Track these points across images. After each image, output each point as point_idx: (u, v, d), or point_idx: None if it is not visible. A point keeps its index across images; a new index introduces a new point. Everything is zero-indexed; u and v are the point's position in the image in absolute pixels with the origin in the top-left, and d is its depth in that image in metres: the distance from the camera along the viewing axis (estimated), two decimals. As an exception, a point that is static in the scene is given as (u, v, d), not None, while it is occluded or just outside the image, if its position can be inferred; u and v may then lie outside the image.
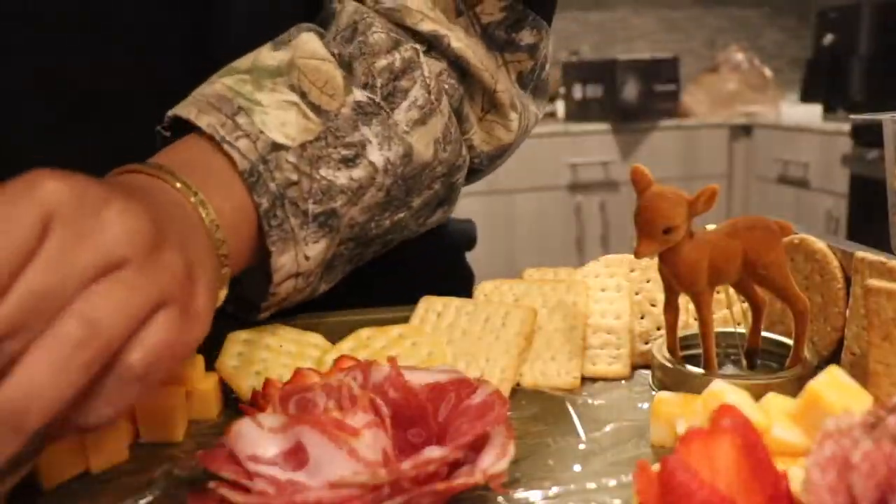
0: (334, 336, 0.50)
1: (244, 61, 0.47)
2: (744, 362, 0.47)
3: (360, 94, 0.47)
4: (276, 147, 0.44)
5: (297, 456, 0.34)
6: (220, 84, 0.45)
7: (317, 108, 0.46)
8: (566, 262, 0.59)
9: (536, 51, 0.55)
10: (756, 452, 0.30)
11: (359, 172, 0.47)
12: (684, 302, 0.48)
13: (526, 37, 0.54)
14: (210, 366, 0.47)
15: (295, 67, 0.46)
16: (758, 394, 0.39)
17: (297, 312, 0.53)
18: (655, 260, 0.44)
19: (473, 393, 0.38)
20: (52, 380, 0.28)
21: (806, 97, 2.64)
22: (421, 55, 0.50)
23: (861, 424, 0.30)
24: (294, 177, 0.45)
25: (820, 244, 0.47)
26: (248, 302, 0.50)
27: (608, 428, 0.42)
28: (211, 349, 0.48)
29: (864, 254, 0.43)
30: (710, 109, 2.68)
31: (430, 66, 0.50)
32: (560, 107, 2.76)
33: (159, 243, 0.33)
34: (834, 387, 0.35)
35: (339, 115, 0.46)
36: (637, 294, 0.52)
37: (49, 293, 0.29)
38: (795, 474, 0.31)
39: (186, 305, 0.34)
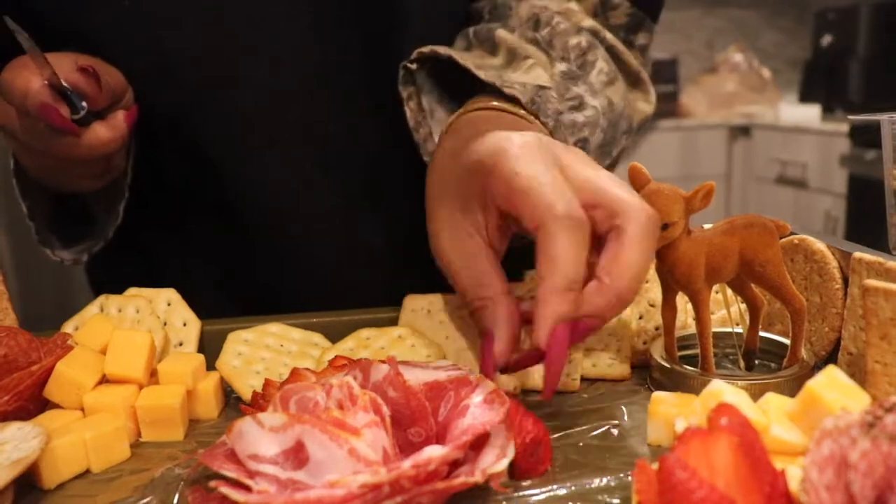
0: (334, 336, 0.50)
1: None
2: (741, 362, 0.48)
3: (562, 66, 0.56)
4: (541, 87, 0.53)
5: (297, 455, 0.34)
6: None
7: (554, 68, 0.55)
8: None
9: (647, 50, 0.64)
10: (754, 451, 0.30)
11: (587, 113, 0.55)
12: (683, 302, 0.48)
13: (641, 38, 0.63)
14: (211, 365, 0.47)
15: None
16: (756, 394, 0.39)
17: (297, 312, 0.53)
18: (654, 260, 0.44)
19: (473, 392, 0.38)
20: None
21: (804, 98, 2.64)
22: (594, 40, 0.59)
23: (859, 424, 0.30)
24: (560, 107, 0.53)
25: (819, 244, 0.47)
26: None
27: (607, 427, 0.43)
28: (212, 349, 0.48)
29: (862, 254, 0.43)
30: (709, 110, 2.68)
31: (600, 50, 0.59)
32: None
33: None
34: (832, 386, 0.35)
35: (554, 80, 0.55)
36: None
37: None
38: (793, 473, 0.31)
39: None
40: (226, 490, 0.33)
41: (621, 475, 0.37)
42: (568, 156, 0.42)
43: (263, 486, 0.33)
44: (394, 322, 0.51)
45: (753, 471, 0.30)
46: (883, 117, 0.48)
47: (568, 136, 0.53)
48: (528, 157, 0.40)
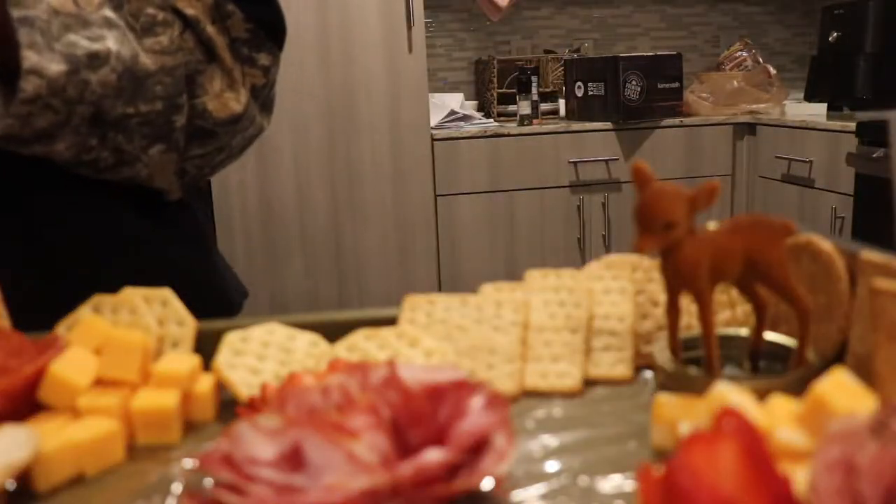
0: (332, 337, 0.50)
1: None
2: (747, 364, 0.47)
3: (111, 14, 0.60)
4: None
5: (295, 458, 0.34)
6: None
7: (76, 3, 0.58)
8: (567, 261, 0.59)
9: (269, 72, 0.71)
10: (759, 455, 0.30)
11: (98, 46, 0.58)
12: (687, 303, 0.48)
13: (263, 58, 0.70)
14: (207, 367, 0.47)
15: None
16: (761, 396, 0.38)
17: (295, 312, 0.53)
18: (657, 260, 0.44)
19: (473, 394, 0.38)
20: None
21: (811, 95, 2.63)
22: (178, 30, 0.65)
23: (867, 427, 0.29)
24: (45, 17, 0.55)
25: (826, 245, 0.46)
26: None
27: (610, 430, 0.42)
28: (208, 350, 0.48)
29: (870, 254, 0.43)
30: (714, 107, 2.67)
31: (181, 38, 0.65)
32: (561, 105, 2.75)
33: None
34: (839, 388, 0.34)
35: (92, 15, 0.59)
36: (639, 295, 0.52)
37: None
38: (800, 477, 0.30)
39: None
40: (222, 494, 0.33)
41: (624, 479, 0.37)
42: None
43: (260, 490, 0.33)
44: (393, 322, 0.51)
45: (759, 475, 0.30)
46: (891, 115, 0.48)
47: (49, 37, 0.55)
48: None
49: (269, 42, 0.70)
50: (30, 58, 0.54)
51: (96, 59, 0.58)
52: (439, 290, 2.40)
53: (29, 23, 0.54)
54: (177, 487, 0.38)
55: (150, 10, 0.64)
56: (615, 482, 0.37)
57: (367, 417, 0.35)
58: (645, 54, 2.62)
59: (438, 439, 0.36)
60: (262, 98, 0.72)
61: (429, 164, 2.39)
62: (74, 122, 0.58)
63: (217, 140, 0.69)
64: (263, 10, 0.70)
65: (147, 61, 0.62)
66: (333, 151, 2.31)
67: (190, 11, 0.65)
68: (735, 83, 2.70)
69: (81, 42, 0.57)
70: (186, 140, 0.67)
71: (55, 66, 0.55)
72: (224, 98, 0.68)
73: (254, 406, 0.42)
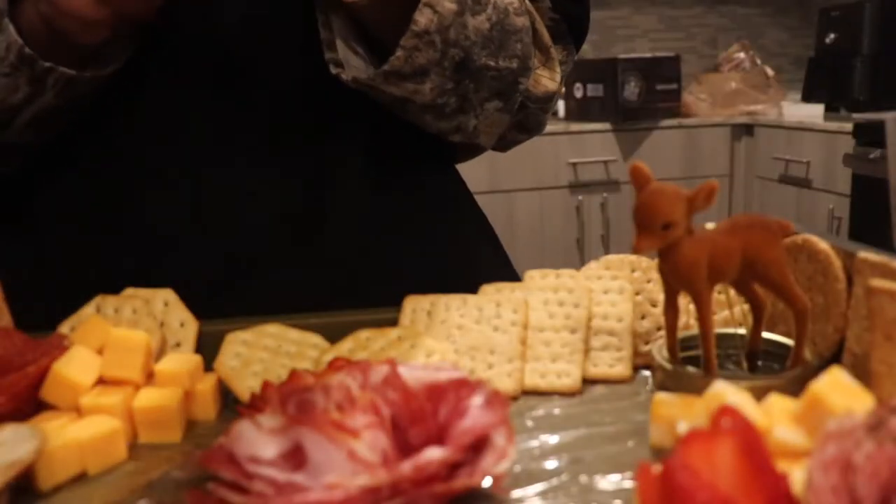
0: (333, 337, 0.50)
1: None
2: (744, 364, 0.47)
3: None
4: None
5: (296, 457, 0.34)
6: None
7: None
8: (566, 262, 0.60)
9: (560, 66, 0.68)
10: (757, 454, 0.30)
11: None
12: (685, 303, 0.48)
13: (557, 52, 0.67)
14: (209, 366, 0.47)
15: None
16: (759, 395, 0.38)
17: (297, 312, 0.53)
18: (656, 260, 0.44)
19: (473, 393, 0.38)
20: None
21: (808, 96, 2.63)
22: None
23: (863, 425, 0.30)
24: None
25: (823, 244, 0.46)
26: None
27: (608, 429, 0.42)
28: (210, 350, 0.48)
29: (867, 254, 0.43)
30: (712, 108, 2.68)
31: (523, 2, 0.63)
32: (561, 106, 2.75)
33: None
34: (836, 388, 0.34)
35: None
36: (638, 294, 0.52)
37: None
38: (797, 476, 0.30)
39: None
40: (223, 492, 0.33)
41: (623, 477, 0.37)
42: None
43: (261, 488, 0.33)
44: (393, 323, 0.51)
45: (756, 473, 0.30)
46: (887, 116, 0.48)
47: None
48: None
49: (568, 36, 0.69)
50: None
51: (478, 4, 0.58)
52: (438, 290, 2.40)
53: None
54: (179, 486, 0.38)
55: None
56: (614, 480, 0.37)
57: (367, 416, 0.36)
58: (643, 56, 2.63)
59: (438, 438, 0.36)
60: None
61: (427, 165, 2.39)
62: (445, 65, 0.57)
63: (524, 113, 0.68)
64: (572, 4, 0.69)
65: (514, 17, 0.61)
66: (332, 152, 2.31)
67: None
68: (733, 84, 2.70)
69: None
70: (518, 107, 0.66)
71: (448, 4, 0.55)
72: (538, 75, 0.66)
73: (255, 405, 0.42)
